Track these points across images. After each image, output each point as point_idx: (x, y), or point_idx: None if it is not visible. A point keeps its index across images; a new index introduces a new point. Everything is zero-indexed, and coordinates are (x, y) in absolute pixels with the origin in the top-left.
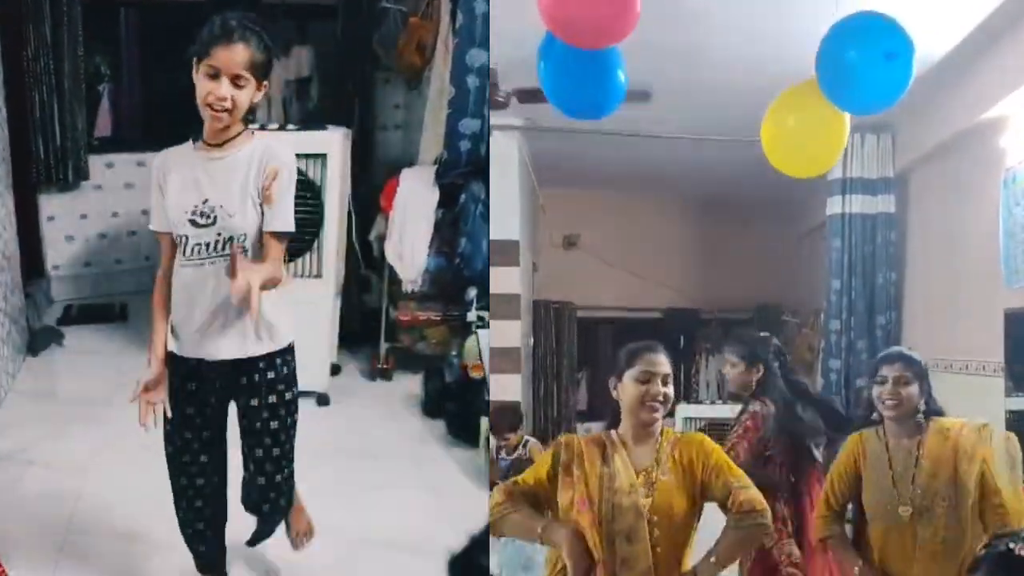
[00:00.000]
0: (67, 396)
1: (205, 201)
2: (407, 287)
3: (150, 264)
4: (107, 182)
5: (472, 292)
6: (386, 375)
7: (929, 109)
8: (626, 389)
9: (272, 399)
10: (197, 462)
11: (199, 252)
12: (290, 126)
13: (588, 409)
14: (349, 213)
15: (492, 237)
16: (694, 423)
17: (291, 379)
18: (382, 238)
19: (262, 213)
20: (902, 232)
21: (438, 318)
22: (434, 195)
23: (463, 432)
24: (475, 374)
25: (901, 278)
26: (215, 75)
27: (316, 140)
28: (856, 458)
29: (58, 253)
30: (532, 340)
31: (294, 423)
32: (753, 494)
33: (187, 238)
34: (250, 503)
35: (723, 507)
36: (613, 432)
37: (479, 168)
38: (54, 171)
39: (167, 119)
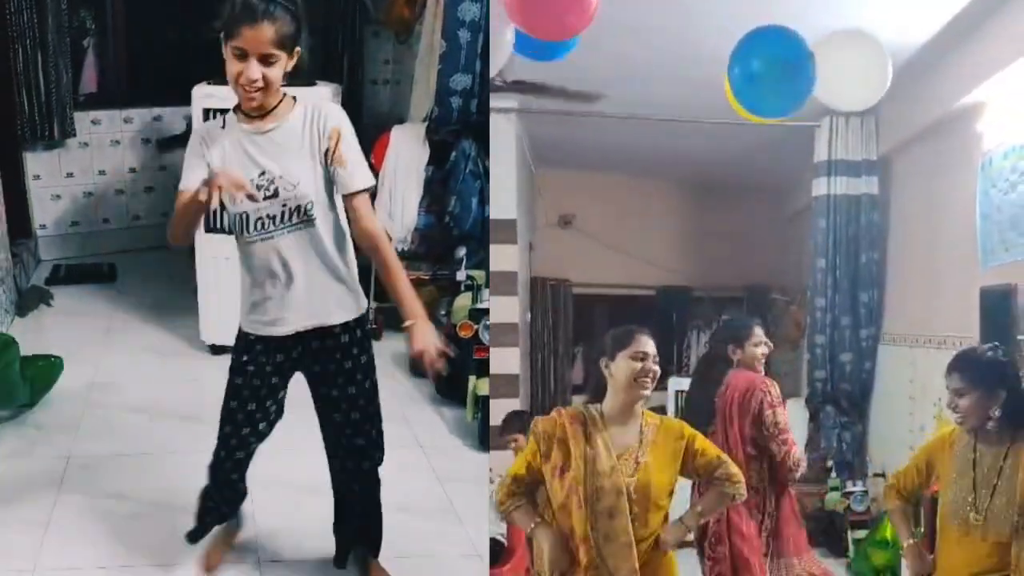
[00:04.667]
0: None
1: (262, 174)
2: (397, 246)
3: (139, 224)
4: (93, 139)
5: (462, 251)
6: (375, 335)
7: (911, 94)
8: (620, 367)
9: (348, 364)
10: (251, 418)
11: (263, 226)
12: None
13: (584, 383)
14: None
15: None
16: (685, 395)
17: (368, 344)
18: (371, 196)
19: (326, 177)
20: (885, 213)
21: (427, 277)
22: (424, 152)
23: (451, 392)
24: (463, 334)
25: (884, 257)
26: (243, 56)
27: (304, 96)
28: (935, 454)
29: (45, 212)
30: (530, 316)
31: (375, 385)
32: (736, 468)
33: (247, 214)
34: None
35: (704, 479)
36: (594, 407)
37: (470, 125)
38: (39, 128)
39: (154, 75)
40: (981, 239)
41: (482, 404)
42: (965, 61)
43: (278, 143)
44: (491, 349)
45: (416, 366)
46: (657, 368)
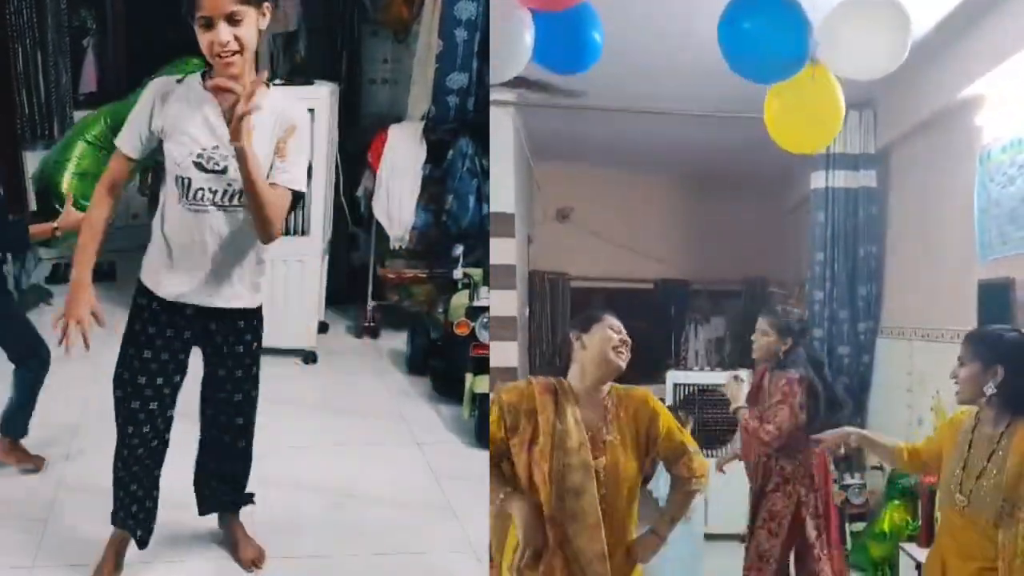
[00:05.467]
0: (56, 355)
1: (216, 148)
2: (394, 244)
3: (138, 223)
4: None
5: (459, 249)
6: (373, 332)
7: (910, 87)
8: (596, 337)
9: (240, 349)
10: (146, 409)
11: (202, 198)
12: (277, 81)
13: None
14: (336, 169)
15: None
16: (683, 389)
17: (259, 337)
18: (369, 194)
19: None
20: (883, 206)
21: (424, 275)
22: (422, 151)
23: (448, 389)
24: (460, 332)
25: (882, 250)
26: (209, 23)
27: (303, 95)
28: (945, 436)
29: None
30: (528, 309)
31: (256, 381)
32: (703, 460)
33: (190, 180)
34: (210, 466)
35: (670, 465)
36: (564, 380)
37: (467, 124)
38: (39, 127)
39: (154, 74)
40: (979, 233)
41: (479, 401)
42: (964, 55)
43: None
44: (490, 343)
45: (414, 364)
46: (629, 340)
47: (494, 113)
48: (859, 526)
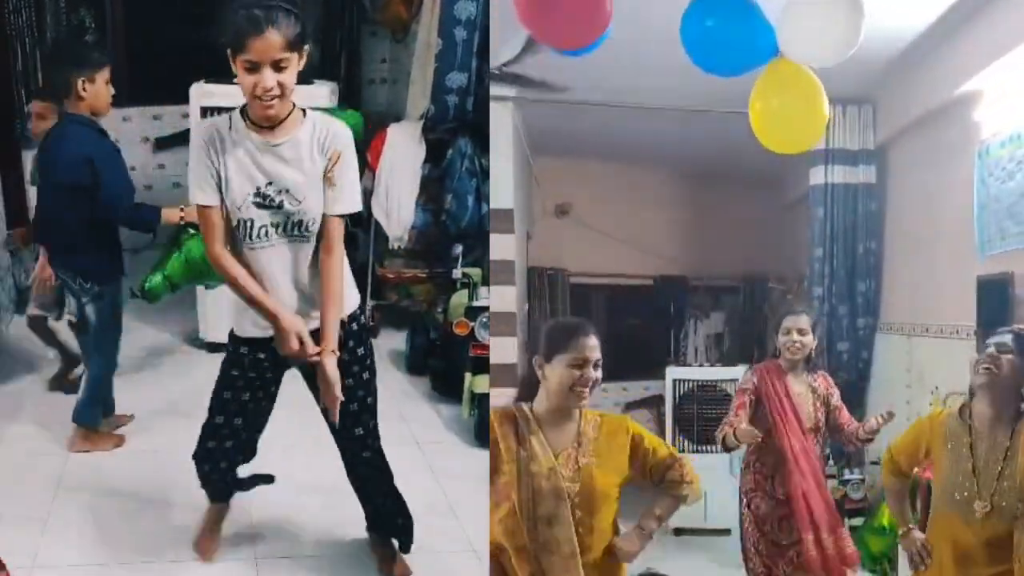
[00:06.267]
0: (55, 353)
1: (269, 184)
2: (393, 244)
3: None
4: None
5: (458, 249)
6: (372, 332)
7: (908, 83)
8: (555, 372)
9: (345, 357)
10: (243, 408)
11: (265, 235)
12: None
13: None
14: None
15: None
16: (683, 385)
17: (366, 336)
18: (368, 194)
19: (326, 195)
20: (882, 202)
21: (423, 275)
22: (421, 150)
23: (447, 388)
24: (459, 331)
25: (881, 246)
26: (255, 67)
27: (303, 95)
28: (923, 439)
29: None
30: (527, 305)
31: (374, 377)
32: (690, 467)
33: (252, 221)
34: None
35: (660, 477)
36: (525, 406)
37: (466, 123)
38: None
39: (153, 73)
40: (978, 228)
41: (478, 401)
42: (963, 49)
43: (287, 158)
44: (490, 339)
45: (414, 363)
46: (598, 375)
47: (493, 109)
48: (858, 521)
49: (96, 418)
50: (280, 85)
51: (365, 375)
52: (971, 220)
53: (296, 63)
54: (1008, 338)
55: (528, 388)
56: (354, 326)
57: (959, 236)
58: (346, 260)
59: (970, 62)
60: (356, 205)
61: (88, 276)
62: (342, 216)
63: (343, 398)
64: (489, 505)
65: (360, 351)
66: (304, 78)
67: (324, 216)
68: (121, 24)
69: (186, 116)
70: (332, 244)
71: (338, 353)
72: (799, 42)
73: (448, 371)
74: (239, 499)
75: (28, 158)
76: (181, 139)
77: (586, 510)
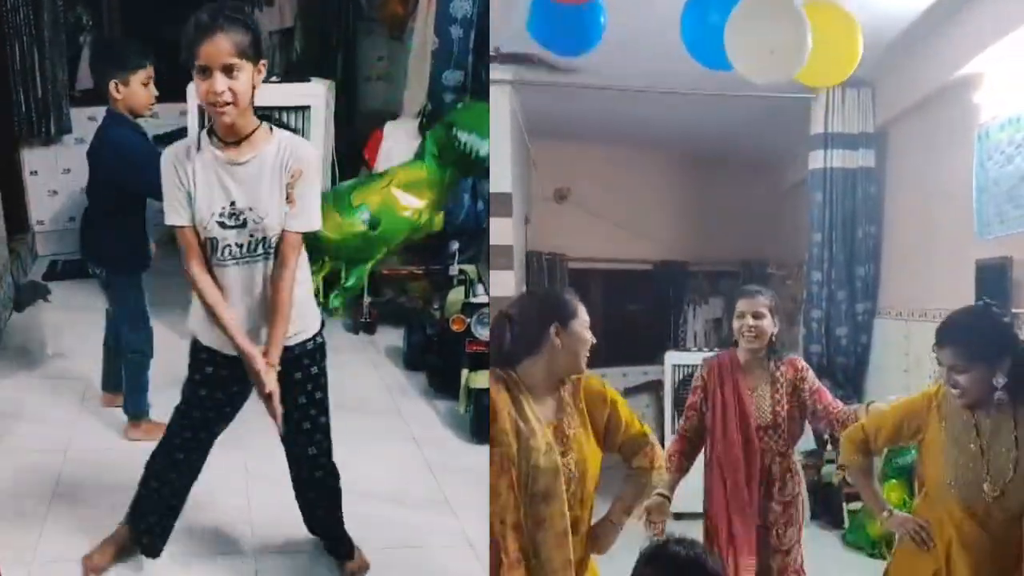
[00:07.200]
0: (54, 351)
1: (232, 203)
2: None
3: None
4: (90, 135)
5: (454, 245)
6: (369, 329)
7: (907, 66)
8: (573, 336)
9: (298, 375)
10: (206, 422)
11: (230, 253)
12: (273, 78)
13: (499, 346)
14: (333, 166)
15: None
16: (682, 370)
17: (321, 357)
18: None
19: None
20: (881, 186)
21: (420, 272)
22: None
23: (444, 385)
24: (456, 328)
25: (880, 231)
26: (206, 72)
27: (299, 92)
28: (916, 417)
29: (42, 208)
30: (526, 290)
31: (325, 398)
32: (660, 449)
33: (217, 240)
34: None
35: (630, 456)
36: (513, 374)
37: None
38: (36, 125)
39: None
40: (977, 212)
41: (475, 396)
42: (962, 32)
43: (251, 175)
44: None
45: (411, 360)
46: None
47: (492, 93)
48: (856, 505)
49: (138, 405)
50: (232, 92)
51: (318, 395)
52: (970, 204)
53: (250, 74)
54: (949, 354)
55: (511, 356)
56: (309, 345)
57: (958, 220)
58: (310, 284)
59: (969, 45)
60: (314, 224)
61: (114, 265)
62: (298, 233)
63: (283, 411)
64: (488, 501)
65: (314, 370)
66: (301, 76)
67: (282, 231)
68: (118, 22)
69: (183, 114)
70: (285, 259)
71: (278, 368)
72: (747, 63)
73: (445, 367)
74: (237, 498)
75: (26, 155)
76: (178, 136)
77: (578, 483)
